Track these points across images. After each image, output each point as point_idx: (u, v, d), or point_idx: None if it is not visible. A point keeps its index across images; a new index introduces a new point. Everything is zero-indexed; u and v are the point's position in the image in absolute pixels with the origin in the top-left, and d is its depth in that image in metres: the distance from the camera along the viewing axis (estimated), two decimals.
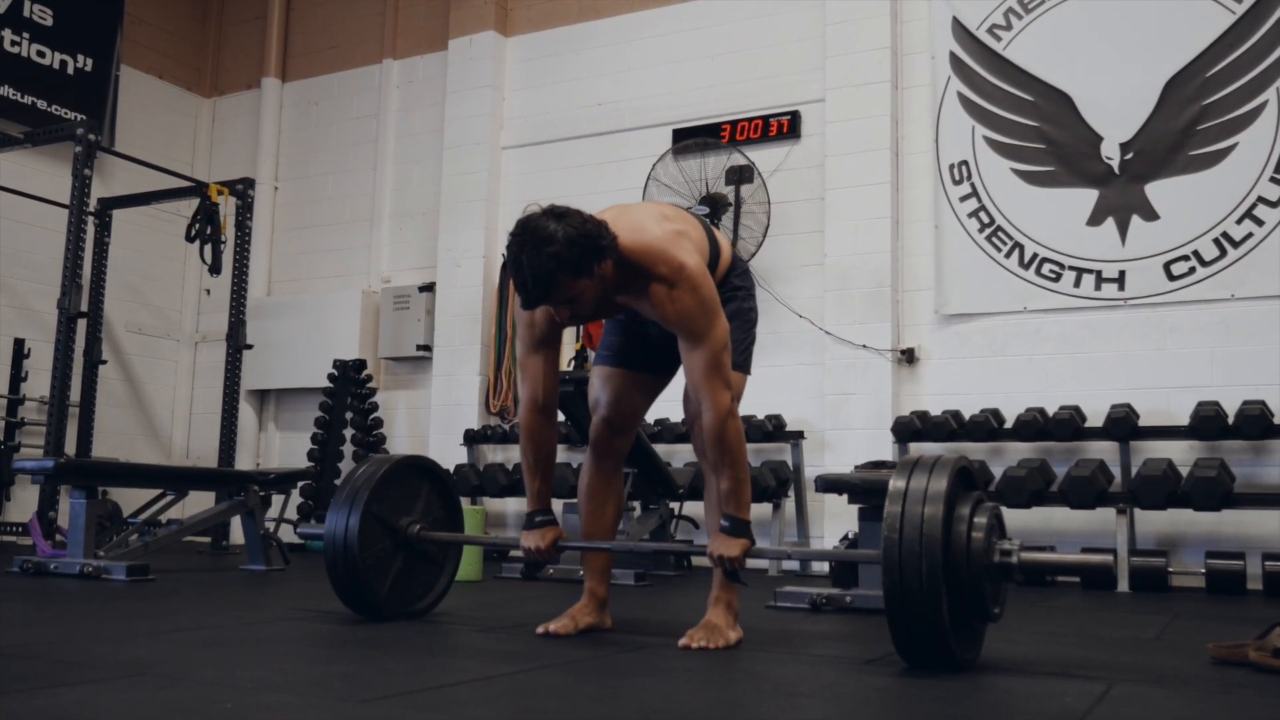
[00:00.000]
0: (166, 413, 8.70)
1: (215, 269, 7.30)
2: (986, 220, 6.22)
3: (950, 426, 5.87)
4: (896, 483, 2.54)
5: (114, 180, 8.02)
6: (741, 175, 6.72)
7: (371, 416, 7.68)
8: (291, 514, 7.52)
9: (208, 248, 7.27)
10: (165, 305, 8.73)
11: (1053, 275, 6.03)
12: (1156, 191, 5.85)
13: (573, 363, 6.92)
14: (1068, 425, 5.64)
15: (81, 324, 7.07)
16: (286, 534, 7.15)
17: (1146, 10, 5.98)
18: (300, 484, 7.35)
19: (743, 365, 3.09)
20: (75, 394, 7.23)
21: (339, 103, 8.61)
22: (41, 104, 7.76)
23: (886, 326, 6.28)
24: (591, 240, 2.66)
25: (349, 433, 7.68)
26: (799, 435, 6.39)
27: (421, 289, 7.81)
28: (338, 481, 7.63)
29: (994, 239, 6.19)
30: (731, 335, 3.01)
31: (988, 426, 5.82)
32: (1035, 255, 6.08)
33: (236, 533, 7.27)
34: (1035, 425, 5.71)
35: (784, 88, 6.87)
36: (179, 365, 8.80)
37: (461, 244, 7.65)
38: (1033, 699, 2.24)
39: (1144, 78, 5.92)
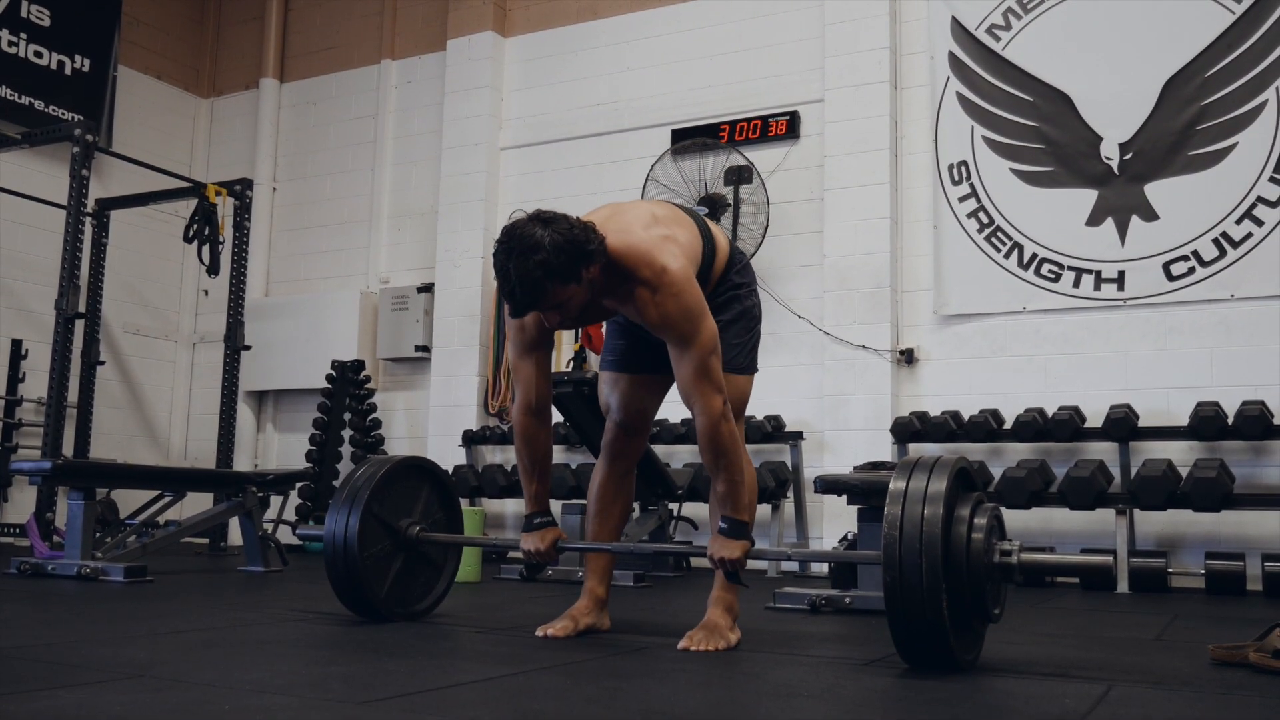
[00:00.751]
0: (164, 414, 8.69)
1: (213, 270, 7.29)
2: (986, 220, 6.21)
3: (949, 427, 5.87)
4: (896, 484, 2.54)
5: (112, 181, 8.01)
6: (740, 176, 6.71)
7: (370, 417, 7.67)
8: (290, 515, 7.52)
9: (206, 248, 7.26)
10: (163, 306, 8.73)
11: (1052, 275, 6.03)
12: (1156, 191, 5.84)
13: (571, 364, 6.91)
14: (1067, 426, 5.63)
15: (79, 325, 7.06)
16: (285, 535, 7.14)
17: (1146, 10, 5.98)
18: (298, 485, 7.34)
19: (748, 366, 3.08)
20: (73, 395, 7.22)
21: (337, 103, 8.60)
22: (39, 104, 7.75)
23: (886, 327, 6.28)
24: (578, 246, 2.64)
25: (347, 434, 7.67)
26: (798, 436, 6.38)
27: (420, 290, 7.80)
28: (336, 483, 7.63)
29: (993, 239, 6.19)
30: (735, 335, 3.01)
31: (987, 427, 5.81)
32: (1034, 255, 6.08)
33: (235, 534, 7.26)
34: (1034, 426, 5.71)
35: (783, 88, 6.87)
36: (177, 366, 8.79)
37: (460, 245, 7.64)
38: (1032, 700, 2.23)
39: (1143, 77, 5.92)
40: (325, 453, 7.63)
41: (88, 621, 3.34)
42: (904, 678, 2.48)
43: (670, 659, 2.70)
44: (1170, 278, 5.77)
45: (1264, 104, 5.66)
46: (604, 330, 3.31)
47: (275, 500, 6.39)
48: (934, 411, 6.08)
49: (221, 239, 7.30)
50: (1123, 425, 5.48)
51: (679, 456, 6.57)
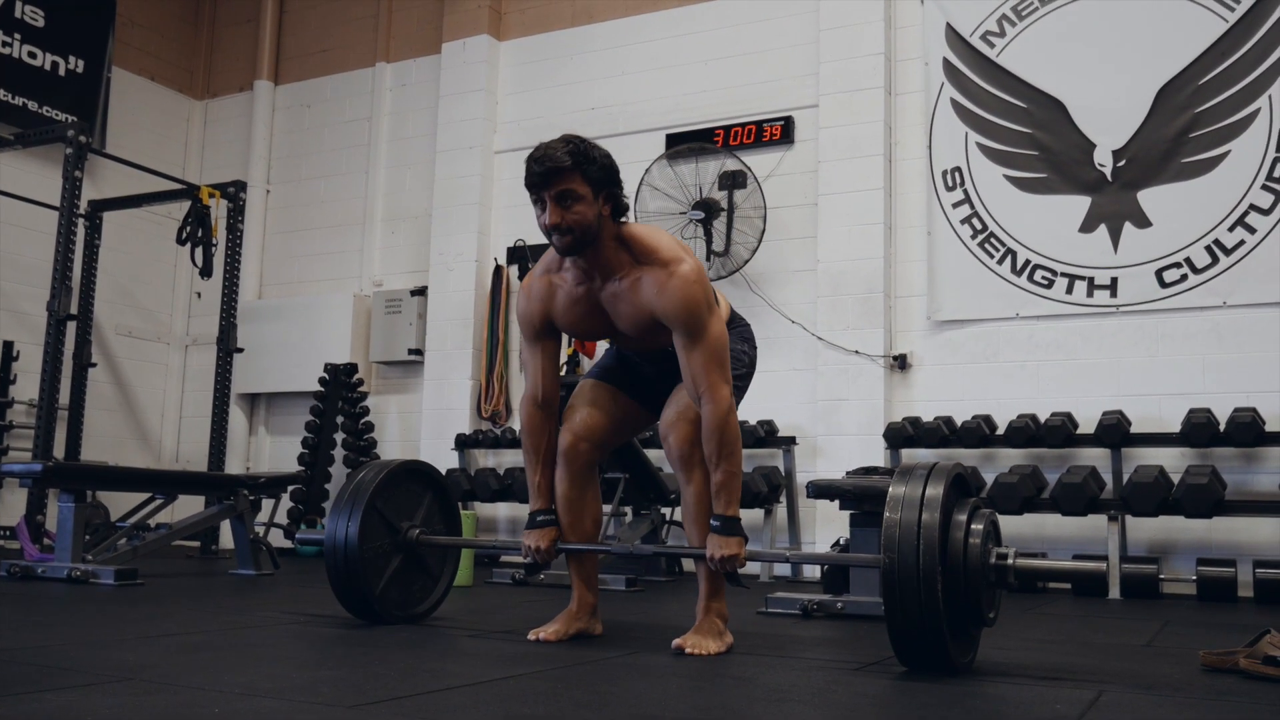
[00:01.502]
0: (156, 416, 8.67)
1: (206, 272, 7.27)
2: (979, 226, 6.22)
3: (942, 433, 5.87)
4: (895, 489, 2.56)
5: (105, 182, 7.99)
6: (735, 180, 6.71)
7: (362, 421, 7.65)
8: (281, 518, 7.51)
9: (198, 250, 7.24)
10: (155, 308, 8.71)
11: (1045, 282, 6.04)
12: (1149, 198, 5.86)
13: (565, 367, 6.91)
14: (1060, 432, 5.64)
15: (71, 326, 7.03)
16: (276, 538, 7.13)
17: (1139, 17, 5.99)
18: (290, 488, 7.32)
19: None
20: (64, 397, 7.19)
21: (332, 106, 8.60)
22: (32, 105, 7.73)
23: (879, 332, 6.28)
24: (616, 170, 2.84)
25: (340, 437, 7.66)
26: (791, 441, 6.38)
27: (413, 293, 7.80)
28: (328, 486, 7.62)
29: (986, 245, 6.19)
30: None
31: (980, 433, 5.82)
32: (1028, 262, 6.09)
33: (226, 537, 7.24)
34: (1027, 432, 5.72)
35: (778, 93, 6.88)
36: (169, 368, 8.77)
37: (454, 248, 7.64)
38: (1023, 705, 2.23)
39: (1137, 85, 5.93)
40: (317, 456, 7.62)
41: (77, 624, 3.33)
42: (896, 682, 2.48)
43: (662, 663, 2.69)
44: (1163, 284, 5.78)
45: (1256, 112, 5.68)
46: (599, 344, 3.32)
47: (267, 503, 6.38)
48: (927, 417, 6.08)
49: (214, 241, 7.28)
50: (1115, 431, 5.49)
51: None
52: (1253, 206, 5.63)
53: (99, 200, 7.67)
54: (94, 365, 7.64)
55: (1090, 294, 5.93)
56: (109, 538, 5.42)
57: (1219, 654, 2.72)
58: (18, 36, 7.68)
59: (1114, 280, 5.89)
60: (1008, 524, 5.75)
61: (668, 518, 5.98)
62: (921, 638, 2.46)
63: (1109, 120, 5.98)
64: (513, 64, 7.87)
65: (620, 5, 7.53)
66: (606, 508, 4.87)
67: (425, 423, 7.58)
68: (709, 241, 6.69)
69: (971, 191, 6.27)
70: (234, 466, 8.00)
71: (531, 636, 3.02)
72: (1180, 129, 5.81)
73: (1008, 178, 6.21)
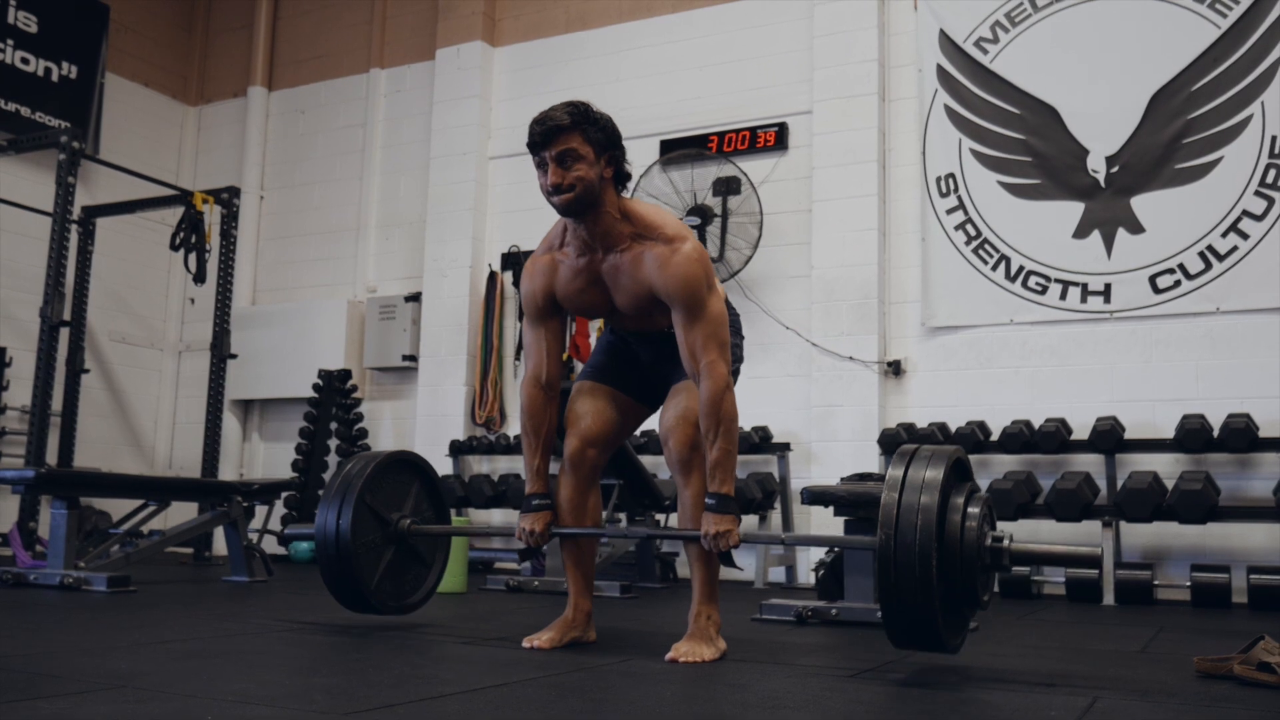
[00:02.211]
0: (150, 422, 8.65)
1: (200, 278, 7.27)
2: (973, 233, 6.23)
3: (937, 439, 5.87)
4: (894, 471, 2.59)
5: (98, 188, 7.98)
6: (729, 186, 6.72)
7: (356, 427, 7.64)
8: (275, 525, 7.48)
9: (192, 256, 7.24)
10: (149, 314, 8.69)
11: (1039, 288, 6.05)
12: (1142, 205, 5.87)
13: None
14: (1054, 438, 5.64)
15: (64, 332, 7.02)
16: (270, 545, 7.11)
17: (1132, 24, 6.01)
18: (284, 495, 7.31)
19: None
20: (57, 403, 7.18)
21: (326, 112, 8.59)
22: (25, 111, 7.71)
23: (873, 338, 6.28)
24: (618, 137, 2.90)
25: (334, 443, 7.65)
26: (785, 447, 6.38)
27: (407, 299, 7.79)
28: (322, 491, 7.60)
29: (980, 251, 6.20)
30: None
31: (974, 439, 5.82)
32: (1022, 268, 6.10)
33: (219, 544, 7.22)
34: (1021, 438, 5.72)
35: (772, 99, 6.88)
36: (162, 374, 8.75)
37: (448, 254, 7.63)
38: (1018, 713, 2.23)
39: (1130, 91, 5.95)
40: (311, 462, 7.60)
41: (69, 632, 3.31)
42: (891, 688, 2.48)
43: (656, 670, 2.69)
44: (1156, 290, 5.79)
45: (1249, 118, 5.69)
46: (592, 344, 3.32)
47: (260, 510, 6.36)
48: (921, 423, 6.08)
49: (208, 247, 7.28)
50: (1109, 437, 5.49)
51: (666, 467, 6.56)
52: (1246, 212, 5.65)
53: (92, 206, 7.66)
54: (87, 371, 7.62)
55: (1084, 300, 5.94)
56: (105, 543, 5.40)
57: (1214, 660, 2.72)
58: (10, 42, 7.67)
59: (1108, 286, 5.90)
60: (1001, 529, 5.76)
61: (662, 524, 5.97)
62: (915, 617, 2.48)
63: (1102, 126, 6.00)
64: (507, 70, 7.88)
65: (614, 11, 7.54)
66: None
67: (419, 429, 7.57)
68: None
69: (965, 197, 6.28)
70: (227, 473, 7.98)
71: (526, 644, 3.01)
72: (1173, 135, 5.83)
73: (1001, 184, 6.22)
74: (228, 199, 7.43)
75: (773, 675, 2.68)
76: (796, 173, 6.73)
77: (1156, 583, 5.24)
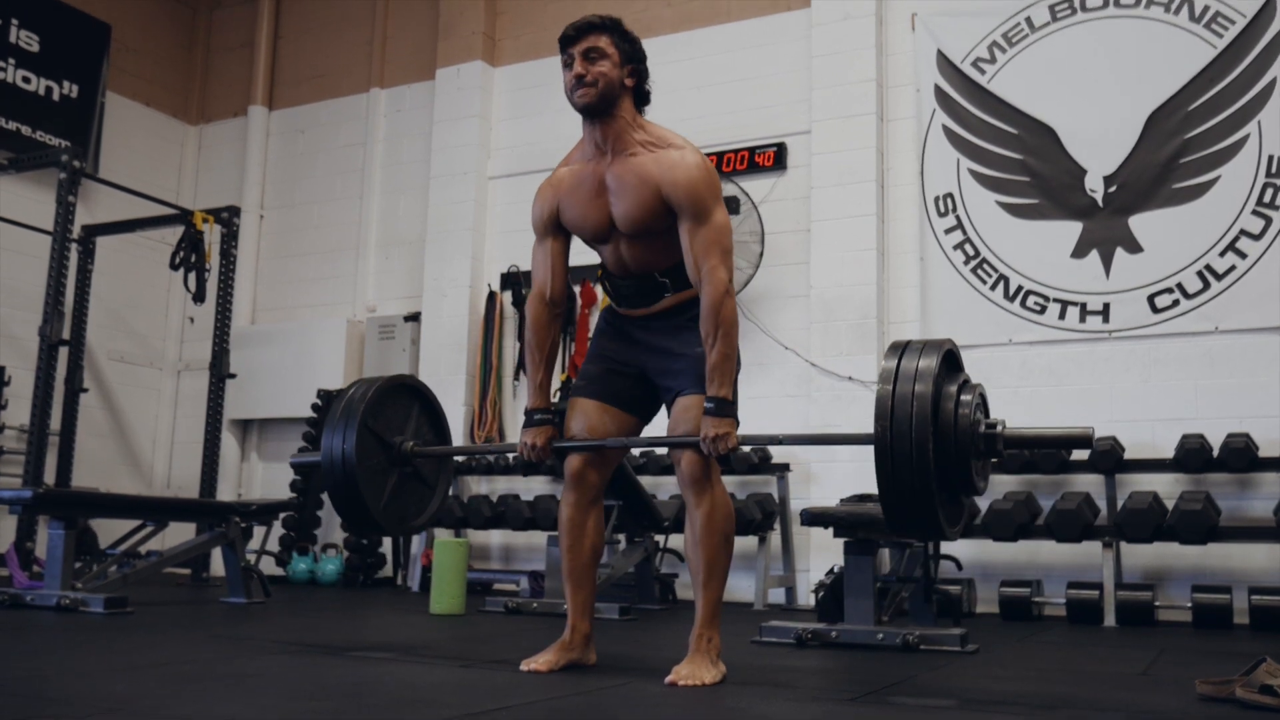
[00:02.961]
0: (148, 442, 8.63)
1: (199, 297, 7.27)
2: (972, 252, 6.24)
3: None
4: (888, 363, 2.68)
5: (98, 207, 7.99)
6: (729, 205, 6.71)
7: None
8: (273, 546, 7.47)
9: (192, 275, 7.24)
10: (148, 333, 8.69)
11: (1038, 307, 6.05)
12: (1140, 224, 5.88)
13: (559, 394, 6.89)
14: (1053, 458, 5.64)
15: (63, 351, 7.02)
16: (267, 566, 7.09)
17: (1129, 44, 6.03)
18: (282, 515, 7.29)
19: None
20: (56, 422, 7.17)
21: (326, 131, 8.61)
22: (26, 130, 7.73)
23: (872, 358, 6.28)
24: (644, 57, 3.12)
25: None
26: (785, 467, 6.37)
27: (407, 319, 7.79)
28: (320, 513, 7.59)
29: (979, 271, 6.21)
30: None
31: None
32: (1020, 287, 6.10)
33: (217, 564, 7.20)
34: (1021, 458, 5.71)
35: (770, 119, 6.90)
36: (161, 394, 8.75)
37: (448, 274, 7.64)
38: None
39: (1127, 111, 5.97)
40: (310, 483, 7.59)
41: (66, 653, 3.30)
42: (892, 712, 2.46)
43: (656, 694, 2.68)
44: (1155, 310, 5.79)
45: (1245, 138, 5.71)
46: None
47: (258, 530, 6.35)
48: None
49: (208, 266, 7.28)
50: (1109, 457, 5.49)
51: (665, 488, 6.55)
52: (1243, 232, 5.66)
53: (92, 225, 7.67)
54: (86, 390, 7.62)
55: (1083, 319, 5.95)
56: (100, 564, 5.38)
57: (1215, 683, 2.70)
58: (12, 61, 7.69)
59: (1106, 306, 5.90)
60: (1002, 551, 5.75)
61: (662, 545, 5.96)
62: (913, 504, 2.56)
63: (1100, 146, 6.01)
64: (507, 90, 7.90)
65: None
66: None
67: None
68: None
69: (964, 217, 6.29)
70: (226, 493, 7.97)
71: (524, 667, 3.00)
72: (1170, 155, 5.84)
73: (1000, 204, 6.23)
74: (228, 218, 7.44)
75: (773, 699, 2.67)
76: (795, 192, 6.75)
77: (1158, 604, 5.22)
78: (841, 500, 5.67)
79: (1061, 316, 5.99)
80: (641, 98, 3.11)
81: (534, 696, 2.59)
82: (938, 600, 4.46)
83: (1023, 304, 6.09)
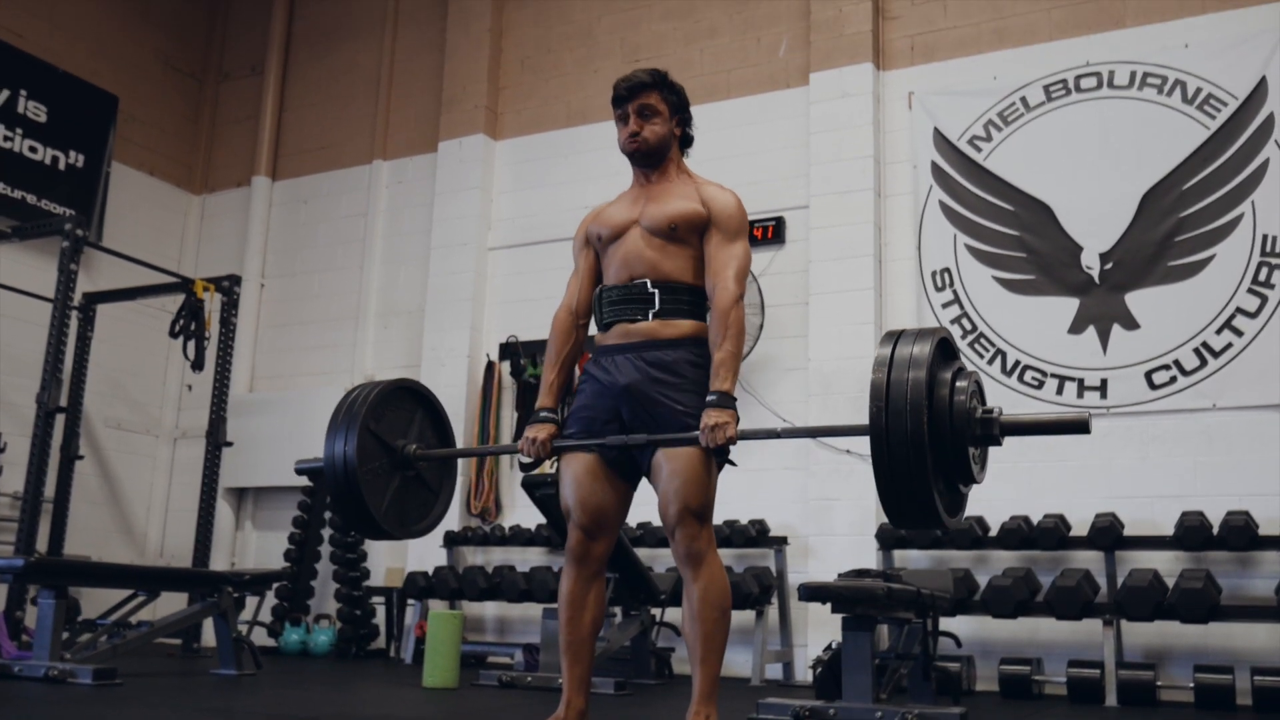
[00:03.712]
0: (142, 510, 8.58)
1: (198, 365, 7.28)
2: (969, 327, 6.27)
3: (934, 534, 5.83)
4: (882, 351, 2.68)
5: (100, 275, 8.03)
6: None
7: None
8: (265, 616, 7.39)
9: (191, 343, 7.26)
10: (146, 401, 8.68)
11: (1035, 383, 6.06)
12: (1137, 301, 5.91)
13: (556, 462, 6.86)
14: (1052, 534, 5.61)
15: (60, 418, 7.00)
16: (259, 636, 7.01)
17: (1123, 124, 6.12)
18: (275, 586, 7.22)
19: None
20: (50, 489, 7.13)
21: (328, 201, 8.69)
22: (31, 198, 7.80)
23: None
24: (688, 104, 3.33)
25: (327, 533, 7.58)
26: (782, 541, 6.33)
27: None
28: (314, 583, 7.52)
29: (976, 346, 6.23)
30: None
31: (972, 534, 5.78)
32: (1017, 363, 6.12)
33: (209, 635, 7.12)
34: (1020, 533, 5.68)
35: (769, 194, 6.96)
36: (157, 461, 8.71)
37: (446, 343, 7.66)
38: None
39: (1122, 189, 6.03)
40: (304, 552, 7.53)
41: None
42: None
43: None
44: (1152, 386, 5.81)
45: (1240, 217, 5.76)
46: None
47: (251, 601, 6.28)
48: None
49: (207, 334, 7.30)
50: (1108, 534, 5.46)
51: (662, 561, 6.50)
52: (1239, 310, 5.69)
53: (93, 293, 7.69)
54: (81, 458, 7.59)
55: (1080, 395, 5.95)
56: (81, 634, 5.32)
57: None
58: (19, 131, 7.79)
59: (1104, 382, 5.91)
60: (1001, 628, 5.70)
61: (658, 618, 5.90)
62: (911, 493, 2.52)
63: (1095, 223, 6.07)
64: (508, 163, 7.99)
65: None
66: None
67: None
68: None
69: (961, 292, 6.33)
70: (219, 562, 7.90)
71: None
72: (1165, 233, 5.89)
73: (996, 279, 6.27)
74: (228, 286, 7.47)
75: None
76: (793, 266, 6.79)
77: (1159, 683, 5.16)
78: (839, 575, 5.61)
79: (1059, 392, 6.00)
80: (686, 142, 3.35)
81: None
82: (937, 678, 4.40)
83: (1020, 379, 6.10)
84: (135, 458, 8.54)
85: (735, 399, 2.94)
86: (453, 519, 7.33)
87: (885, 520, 6.05)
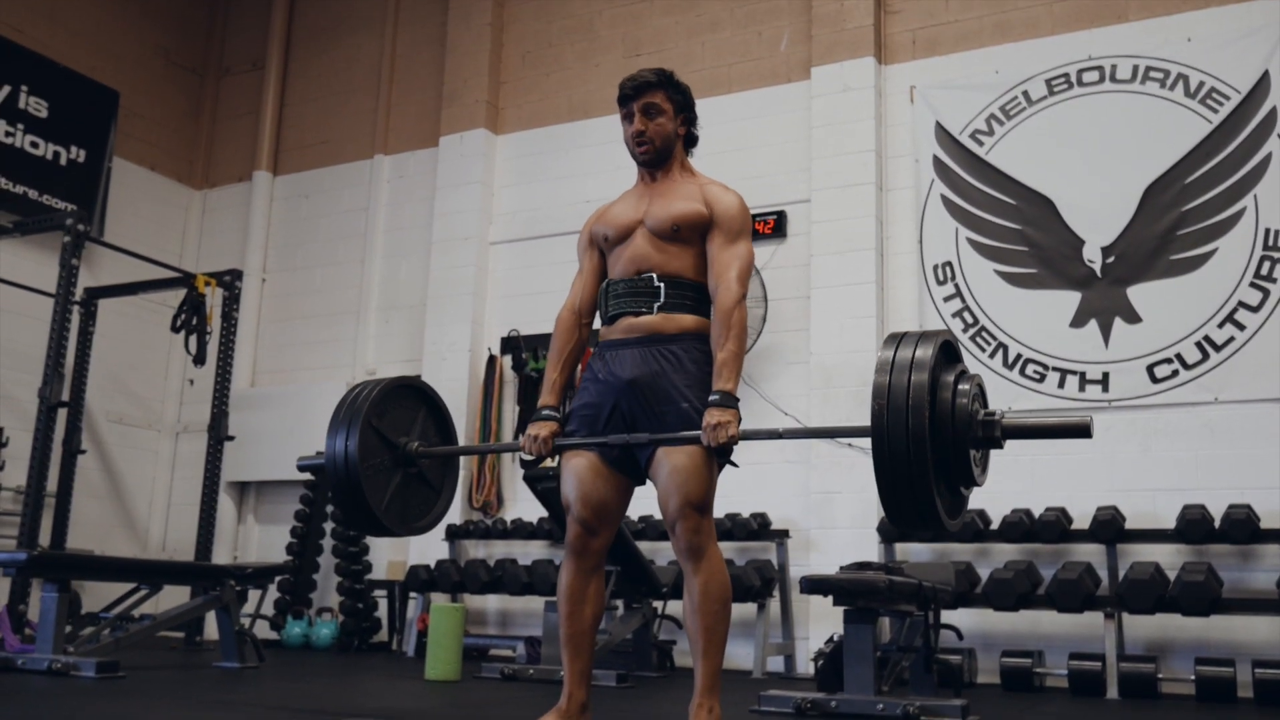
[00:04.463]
0: (144, 504, 8.59)
1: (200, 359, 7.28)
2: (970, 320, 6.27)
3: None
4: (884, 354, 2.68)
5: (101, 270, 8.03)
6: None
7: None
8: (268, 609, 7.40)
9: (193, 338, 7.26)
10: (147, 395, 8.69)
11: (1037, 376, 6.06)
12: (1139, 294, 5.91)
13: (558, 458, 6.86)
14: (1054, 527, 5.61)
15: (61, 413, 7.01)
16: (262, 629, 7.02)
17: (1126, 118, 6.11)
18: (277, 579, 7.23)
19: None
20: (52, 484, 7.13)
21: (329, 196, 8.69)
22: (33, 194, 7.80)
23: None
24: (693, 103, 3.35)
25: (329, 526, 7.59)
26: (784, 534, 6.33)
27: None
28: (316, 576, 7.53)
29: (978, 339, 6.23)
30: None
31: (974, 527, 5.78)
32: (1019, 356, 6.12)
33: (211, 628, 7.13)
34: (1022, 526, 5.69)
35: (771, 188, 6.96)
36: (159, 456, 8.72)
37: (447, 338, 7.66)
38: None
39: (1124, 183, 6.03)
40: (306, 545, 7.54)
41: (56, 719, 3.25)
42: None
43: None
44: (1154, 380, 5.81)
45: (1242, 211, 5.76)
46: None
47: (253, 594, 6.29)
48: None
49: (209, 329, 7.30)
50: (1110, 527, 5.46)
51: (663, 554, 6.51)
52: (1241, 304, 5.69)
53: (95, 288, 7.69)
54: (84, 452, 7.59)
55: (1082, 389, 5.95)
56: (84, 627, 5.33)
57: None
58: (21, 127, 7.78)
59: (1105, 375, 5.91)
60: (1003, 620, 5.70)
61: (660, 611, 5.90)
62: (911, 491, 2.52)
63: (1097, 217, 6.06)
64: (509, 157, 7.98)
65: (615, 102, 7.64)
66: None
67: None
68: None
69: (963, 286, 6.33)
70: (221, 555, 7.91)
71: None
72: (1168, 227, 5.89)
73: (998, 273, 6.27)
74: (230, 281, 7.47)
75: None
76: (795, 260, 6.79)
77: (1160, 676, 5.17)
78: (841, 567, 5.62)
79: (1061, 385, 6.00)
80: (691, 141, 3.36)
81: None
82: (938, 670, 4.41)
83: (1021, 372, 6.10)
84: (137, 452, 8.55)
85: (738, 399, 2.93)
86: (455, 512, 7.33)
87: None
